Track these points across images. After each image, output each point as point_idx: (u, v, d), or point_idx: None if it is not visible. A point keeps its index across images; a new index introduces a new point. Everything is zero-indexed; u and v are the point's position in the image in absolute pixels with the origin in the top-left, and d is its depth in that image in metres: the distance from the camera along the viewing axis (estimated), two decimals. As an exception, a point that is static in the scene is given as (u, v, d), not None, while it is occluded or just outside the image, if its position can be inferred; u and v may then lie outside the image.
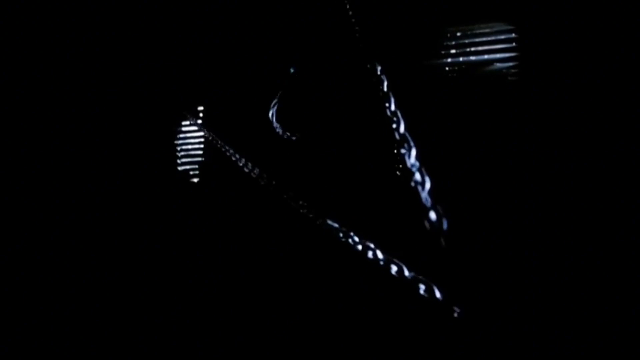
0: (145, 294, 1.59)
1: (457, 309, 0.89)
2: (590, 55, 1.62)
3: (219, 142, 1.78)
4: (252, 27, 1.97)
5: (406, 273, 1.01)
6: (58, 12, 1.67)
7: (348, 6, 1.43)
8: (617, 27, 1.58)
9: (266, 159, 2.02)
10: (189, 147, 2.06)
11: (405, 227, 1.74)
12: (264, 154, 2.02)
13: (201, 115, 2.06)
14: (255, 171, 1.69)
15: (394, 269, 1.04)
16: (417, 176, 0.76)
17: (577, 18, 1.64)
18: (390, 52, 1.90)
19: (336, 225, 1.31)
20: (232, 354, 1.49)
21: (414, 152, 0.80)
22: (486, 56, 1.80)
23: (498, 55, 1.78)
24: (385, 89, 0.95)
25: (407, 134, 0.82)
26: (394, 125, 0.84)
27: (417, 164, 0.78)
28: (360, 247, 1.14)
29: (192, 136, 2.07)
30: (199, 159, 2.03)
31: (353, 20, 1.36)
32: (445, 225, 0.72)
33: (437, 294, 0.94)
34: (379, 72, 0.98)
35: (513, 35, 1.76)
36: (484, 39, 1.80)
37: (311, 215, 1.42)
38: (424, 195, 0.73)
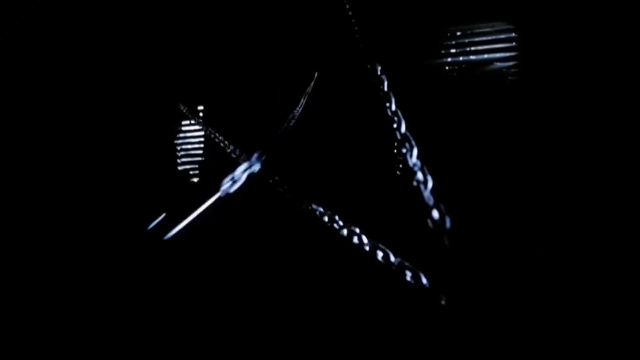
0: (145, 294, 1.59)
1: (449, 300, 0.89)
2: (590, 55, 1.62)
3: (219, 141, 1.78)
4: (252, 27, 1.97)
5: (408, 274, 1.01)
6: (58, 12, 1.67)
7: (348, 6, 1.43)
8: (617, 27, 1.58)
9: (266, 159, 2.02)
10: (189, 146, 2.06)
11: (408, 225, 1.74)
12: (263, 154, 2.02)
13: (201, 114, 2.06)
14: (255, 171, 1.69)
15: (396, 269, 1.04)
16: (419, 175, 0.76)
17: (577, 18, 1.64)
18: (390, 52, 1.90)
19: (336, 225, 1.30)
20: (232, 352, 1.49)
21: (415, 151, 0.80)
22: (486, 56, 1.80)
23: (498, 55, 1.78)
24: (385, 89, 0.95)
25: (408, 134, 0.82)
26: (395, 125, 0.84)
27: (419, 163, 0.78)
28: (360, 245, 1.14)
29: (192, 136, 2.07)
30: (199, 158, 2.03)
31: (353, 20, 1.36)
32: (448, 223, 0.72)
33: (439, 295, 0.94)
34: (379, 73, 0.98)
35: (513, 35, 1.76)
36: (484, 38, 1.80)
37: (311, 214, 1.42)
38: (426, 194, 0.73)
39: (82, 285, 1.55)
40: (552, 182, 1.63)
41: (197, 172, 2.04)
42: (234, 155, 1.79)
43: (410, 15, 1.88)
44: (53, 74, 1.68)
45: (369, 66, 1.04)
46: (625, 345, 1.33)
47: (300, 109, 1.70)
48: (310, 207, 1.34)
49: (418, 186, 0.74)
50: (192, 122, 1.94)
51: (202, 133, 2.04)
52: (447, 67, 1.86)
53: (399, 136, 0.83)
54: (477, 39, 1.82)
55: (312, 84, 1.81)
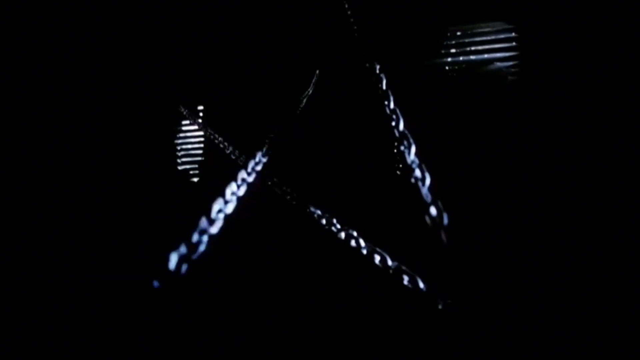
0: (145, 294, 1.59)
1: (446, 304, 0.89)
2: (590, 55, 1.62)
3: (218, 142, 1.78)
4: (252, 27, 1.98)
5: (405, 278, 1.01)
6: (58, 12, 1.67)
7: (347, 6, 1.44)
8: (617, 27, 1.58)
9: (266, 158, 2.01)
10: (189, 146, 2.07)
11: (407, 226, 1.73)
12: (263, 154, 2.02)
13: (201, 114, 2.06)
14: (255, 170, 1.68)
15: (393, 273, 1.03)
16: (417, 172, 0.76)
17: (577, 18, 1.64)
18: (390, 52, 1.90)
19: (334, 228, 1.30)
20: (231, 353, 1.49)
21: (413, 148, 0.80)
22: (486, 56, 1.80)
23: (498, 55, 1.78)
24: (384, 87, 0.95)
25: (406, 131, 0.82)
26: (393, 123, 0.84)
27: (417, 160, 0.78)
28: (357, 248, 1.14)
29: (192, 135, 2.07)
30: (199, 158, 2.04)
31: (352, 19, 1.36)
32: (445, 221, 0.72)
33: (437, 299, 0.94)
34: (377, 71, 0.98)
35: (513, 35, 1.76)
36: (484, 38, 1.80)
37: (310, 217, 1.42)
38: (424, 190, 0.73)
39: (82, 285, 1.55)
40: (552, 182, 1.63)
41: (196, 172, 2.04)
42: (233, 157, 1.79)
43: (410, 15, 1.88)
44: (53, 74, 1.68)
45: (367, 65, 1.04)
46: (625, 345, 1.32)
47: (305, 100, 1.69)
48: (308, 210, 1.34)
49: (416, 183, 0.74)
50: (192, 122, 1.94)
51: (201, 133, 2.04)
52: (447, 67, 1.86)
53: (397, 134, 0.82)
54: (477, 39, 1.82)
55: (312, 83, 1.81)
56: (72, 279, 1.55)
